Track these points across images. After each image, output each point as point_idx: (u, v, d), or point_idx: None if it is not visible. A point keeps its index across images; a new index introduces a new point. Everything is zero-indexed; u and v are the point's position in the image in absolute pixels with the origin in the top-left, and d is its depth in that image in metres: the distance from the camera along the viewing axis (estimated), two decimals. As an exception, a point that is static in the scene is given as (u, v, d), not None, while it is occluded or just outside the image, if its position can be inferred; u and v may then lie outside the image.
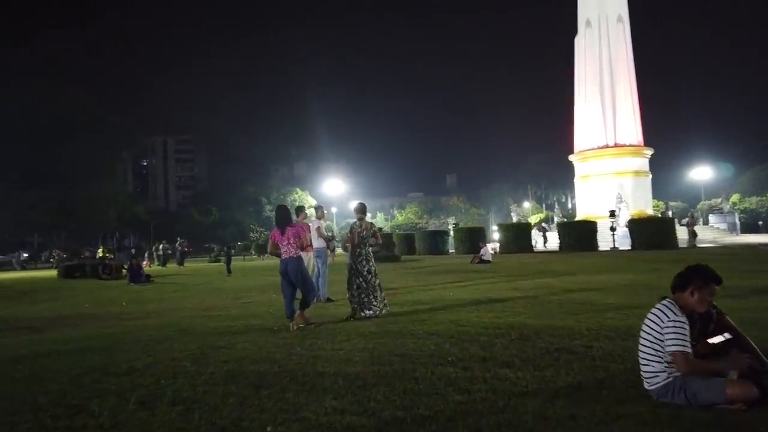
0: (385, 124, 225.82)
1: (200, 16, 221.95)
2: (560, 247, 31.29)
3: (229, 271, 21.06)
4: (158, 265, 32.83)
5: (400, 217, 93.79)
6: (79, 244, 68.27)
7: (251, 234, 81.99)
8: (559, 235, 32.47)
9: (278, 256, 7.27)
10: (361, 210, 8.27)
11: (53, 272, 26.89)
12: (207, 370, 4.80)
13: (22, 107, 47.79)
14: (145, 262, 32.65)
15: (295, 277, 7.05)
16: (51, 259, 47.22)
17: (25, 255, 64.22)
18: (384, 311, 7.82)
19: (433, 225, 77.26)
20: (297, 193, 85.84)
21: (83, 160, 50.92)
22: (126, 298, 12.65)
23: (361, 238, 7.96)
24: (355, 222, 8.23)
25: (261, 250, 48.31)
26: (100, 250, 43.75)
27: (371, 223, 8.45)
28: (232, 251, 29.13)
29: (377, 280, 7.95)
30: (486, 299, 9.36)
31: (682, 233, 31.00)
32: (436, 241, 36.83)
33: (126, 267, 20.21)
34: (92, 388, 4.37)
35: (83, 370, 4.99)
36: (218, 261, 34.83)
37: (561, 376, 4.19)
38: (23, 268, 42.31)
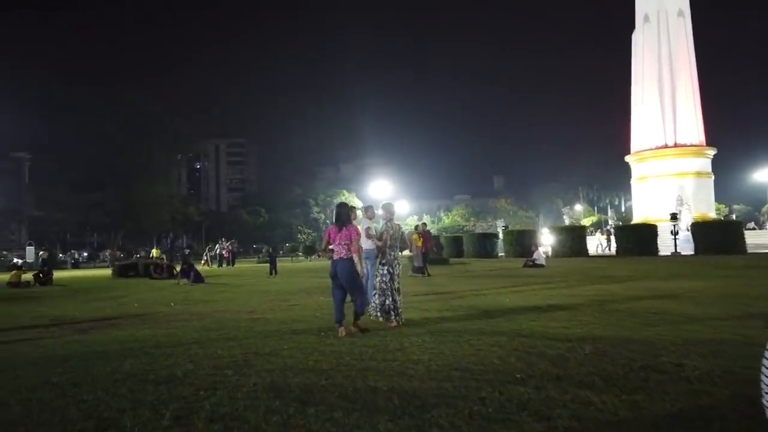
0: (432, 126, 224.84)
1: (248, 24, 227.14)
2: (618, 251, 29.91)
3: (273, 272, 20.98)
4: (216, 265, 33.33)
5: (446, 220, 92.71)
6: (135, 245, 70.78)
7: (298, 235, 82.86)
8: (616, 238, 31.06)
9: (329, 256, 6.90)
10: (390, 211, 7.90)
11: (108, 271, 27.61)
12: (249, 381, 4.41)
13: (86, 112, 49.69)
14: (204, 260, 33.27)
15: (345, 281, 6.62)
16: (105, 259, 48.93)
17: (86, 254, 67.10)
18: (403, 319, 7.33)
19: (480, 227, 75.89)
20: (344, 195, 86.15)
21: (142, 163, 52.59)
22: (174, 299, 12.58)
23: (393, 240, 7.61)
24: (386, 223, 7.81)
25: (308, 251, 48.52)
26: (153, 251, 45.02)
27: (399, 225, 8.03)
28: (277, 252, 29.27)
29: (400, 286, 7.57)
30: (546, 306, 8.69)
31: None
32: (484, 243, 35.92)
33: (179, 266, 20.37)
34: (128, 398, 4.04)
35: (121, 377, 4.70)
36: (266, 262, 35.09)
37: (655, 401, 3.57)
38: (77, 267, 43.94)
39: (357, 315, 6.68)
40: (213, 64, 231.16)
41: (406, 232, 7.78)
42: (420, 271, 17.18)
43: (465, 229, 78.24)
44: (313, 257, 44.84)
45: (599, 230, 40.78)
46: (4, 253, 52.86)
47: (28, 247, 46.91)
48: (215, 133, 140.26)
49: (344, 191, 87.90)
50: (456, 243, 39.01)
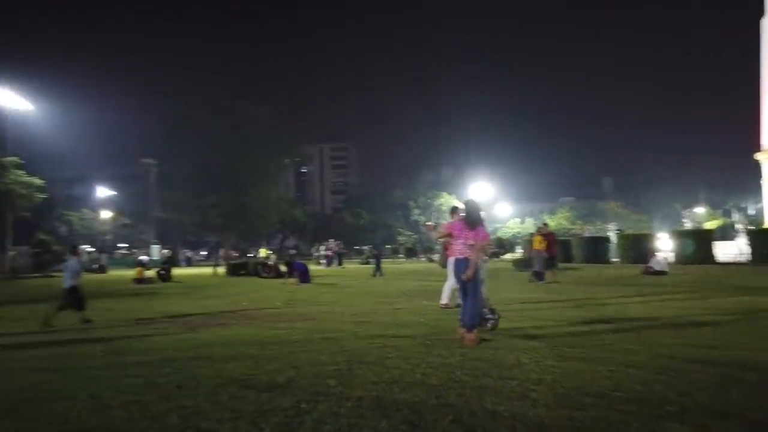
0: (534, 127, 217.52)
1: (350, 31, 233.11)
2: (752, 258, 26.67)
3: (376, 273, 20.91)
4: (324, 266, 34.16)
5: (551, 223, 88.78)
6: (247, 245, 74.83)
7: (398, 237, 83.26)
8: (751, 244, 27.73)
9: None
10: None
11: (221, 270, 29.16)
12: (353, 394, 4.05)
13: (203, 120, 53.29)
14: (323, 261, 34.23)
15: (467, 282, 6.12)
16: (217, 259, 51.87)
17: (203, 253, 72.07)
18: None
19: (587, 231, 71.78)
20: (444, 197, 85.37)
21: (253, 168, 55.49)
22: (281, 298, 12.75)
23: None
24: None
25: (409, 253, 48.46)
26: (261, 251, 47.09)
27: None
28: (381, 253, 29.27)
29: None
30: (681, 320, 7.62)
31: None
32: (595, 248, 33.66)
33: (287, 266, 20.92)
34: (228, 406, 3.83)
35: (224, 381, 4.54)
36: (368, 263, 35.36)
37: None
38: (189, 265, 46.96)
39: (467, 325, 6.13)
40: (316, 73, 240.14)
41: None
42: (540, 276, 15.90)
43: (571, 232, 74.38)
44: (413, 259, 44.65)
45: (736, 233, 36.67)
46: (134, 251, 58.00)
47: (152, 246, 51.08)
48: (319, 138, 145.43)
49: (444, 193, 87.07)
50: (564, 247, 36.94)
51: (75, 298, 9.18)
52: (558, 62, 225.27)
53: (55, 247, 38.66)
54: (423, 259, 45.99)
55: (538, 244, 15.97)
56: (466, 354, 5.49)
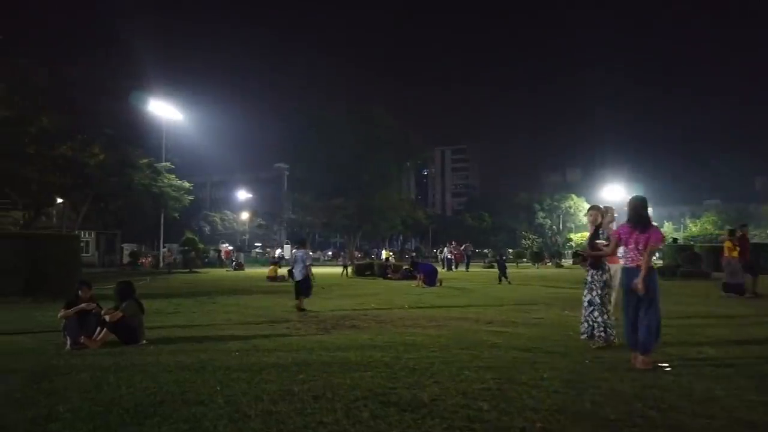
0: (671, 124, 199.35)
1: (473, 33, 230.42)
2: None
3: (501, 278, 19.86)
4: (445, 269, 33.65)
5: (693, 228, 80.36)
6: (369, 246, 76.56)
7: (523, 241, 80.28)
8: None
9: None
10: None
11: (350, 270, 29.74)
12: (513, 424, 3.42)
13: (330, 125, 55.26)
14: (447, 263, 33.84)
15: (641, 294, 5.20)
16: (340, 259, 53.46)
17: (329, 253, 74.97)
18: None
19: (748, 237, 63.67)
20: (572, 200, 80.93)
21: (378, 170, 56.56)
22: (408, 301, 12.40)
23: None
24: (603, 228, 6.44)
25: (536, 258, 46.26)
26: (384, 252, 47.63)
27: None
28: (504, 257, 28.07)
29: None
30: None
31: None
32: (757, 255, 29.47)
33: (411, 267, 20.70)
34: (371, 427, 3.39)
35: (362, 394, 4.13)
36: (492, 267, 34.09)
37: None
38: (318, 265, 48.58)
39: (641, 345, 5.14)
40: (439, 76, 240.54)
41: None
42: (736, 289, 12.66)
43: (719, 238, 66.59)
44: (539, 265, 42.46)
45: None
46: (268, 250, 61.71)
47: (285, 245, 53.92)
48: (441, 141, 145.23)
49: (572, 195, 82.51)
50: (715, 254, 32.92)
51: (304, 287, 10.48)
52: (702, 49, 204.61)
53: (200, 245, 42.09)
54: (550, 264, 43.55)
55: (731, 250, 13.35)
56: (640, 380, 4.60)
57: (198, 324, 8.88)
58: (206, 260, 43.55)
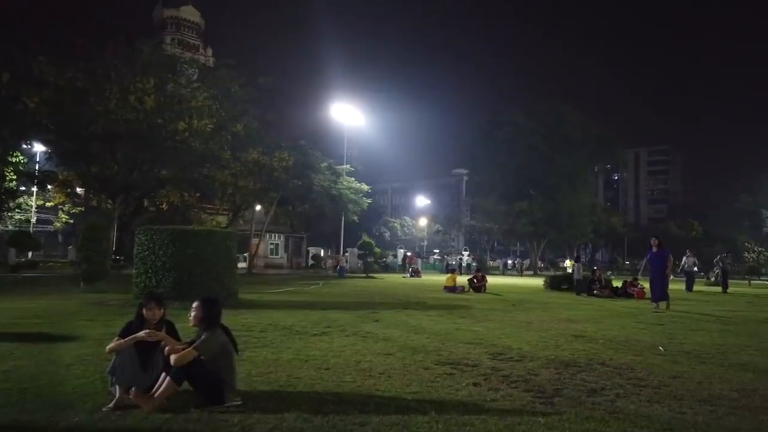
0: None
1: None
2: None
3: (724, 288, 14.79)
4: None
5: None
6: (554, 255, 70.66)
7: (745, 254, 67.22)
8: None
9: None
10: None
11: (537, 281, 26.10)
12: None
13: (513, 126, 51.69)
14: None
15: None
16: (521, 268, 49.46)
17: (509, 261, 70.86)
18: None
19: None
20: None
21: (565, 172, 51.63)
22: (659, 340, 8.72)
23: None
24: None
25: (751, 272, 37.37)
26: (567, 262, 42.33)
27: None
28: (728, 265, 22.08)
29: None
30: None
31: None
32: None
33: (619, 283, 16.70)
34: None
35: None
36: (716, 282, 27.42)
37: None
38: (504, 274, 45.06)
39: None
40: (634, 68, 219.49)
41: None
42: None
43: None
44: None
45: None
46: (445, 257, 59.96)
47: (463, 253, 51.56)
48: (635, 141, 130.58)
49: (815, 199, 67.03)
50: None
51: None
52: None
53: (377, 250, 41.59)
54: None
55: None
56: None
57: (340, 358, 5.91)
58: (384, 265, 43.00)
